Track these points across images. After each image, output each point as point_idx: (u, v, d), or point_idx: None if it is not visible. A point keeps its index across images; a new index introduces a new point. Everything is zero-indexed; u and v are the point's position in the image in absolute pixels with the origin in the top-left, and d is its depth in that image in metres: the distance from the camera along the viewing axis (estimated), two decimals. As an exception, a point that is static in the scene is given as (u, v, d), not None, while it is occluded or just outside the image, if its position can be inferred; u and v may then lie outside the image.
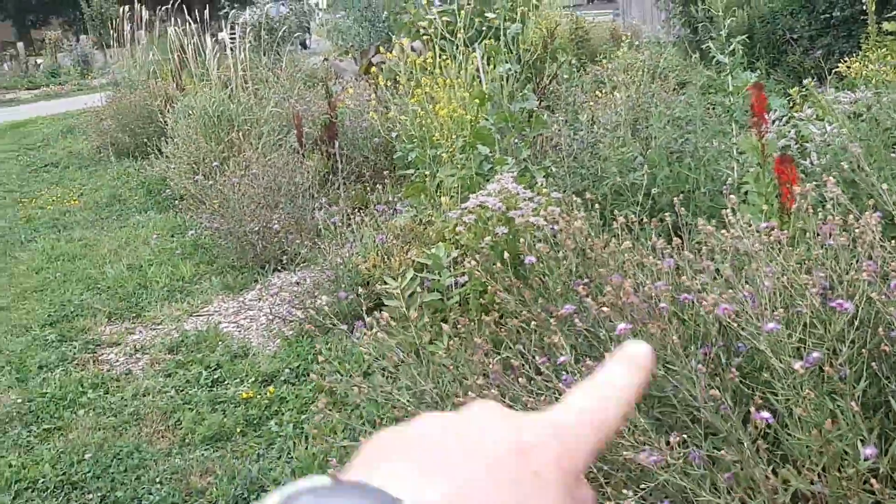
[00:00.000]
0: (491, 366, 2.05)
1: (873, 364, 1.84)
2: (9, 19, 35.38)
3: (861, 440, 1.64)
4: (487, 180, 3.48)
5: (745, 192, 2.80)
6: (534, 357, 2.00)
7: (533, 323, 2.20)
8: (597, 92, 4.79)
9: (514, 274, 2.42)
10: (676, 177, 3.18)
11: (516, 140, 3.42)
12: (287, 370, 3.37)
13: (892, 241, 2.09)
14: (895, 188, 2.54)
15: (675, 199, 2.62)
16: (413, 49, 5.67)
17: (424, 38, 4.32)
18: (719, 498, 1.63)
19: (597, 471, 1.78)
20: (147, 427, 3.06)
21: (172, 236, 5.62)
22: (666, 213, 2.76)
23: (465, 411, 0.37)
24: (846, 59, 4.94)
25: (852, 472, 1.65)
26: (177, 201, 6.25)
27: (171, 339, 3.88)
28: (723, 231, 2.28)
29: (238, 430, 2.97)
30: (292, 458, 2.72)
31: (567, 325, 2.12)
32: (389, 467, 0.33)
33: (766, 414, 1.59)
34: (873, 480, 1.59)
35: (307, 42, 19.53)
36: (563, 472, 0.35)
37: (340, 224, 4.12)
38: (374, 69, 5.28)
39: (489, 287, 2.44)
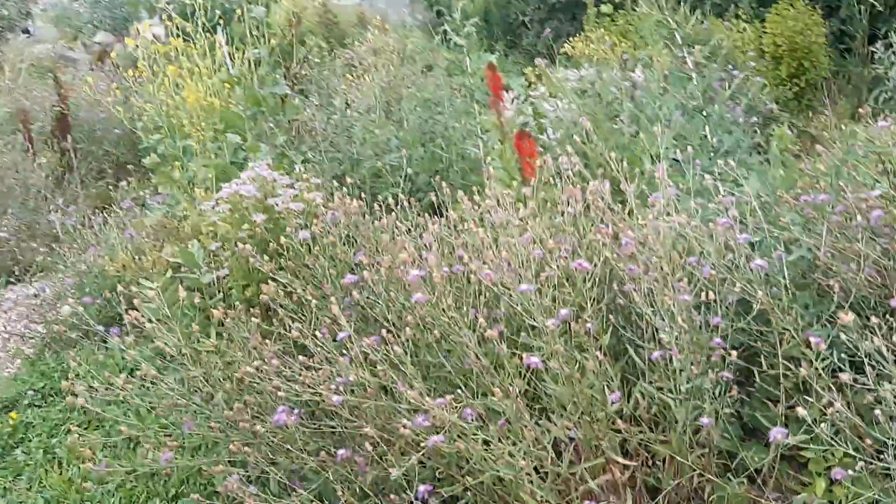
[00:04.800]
0: (267, 347, 2.02)
1: (611, 317, 2.05)
2: None
3: (607, 386, 1.82)
4: (243, 169, 3.36)
5: (493, 168, 2.96)
6: (314, 335, 1.98)
7: (314, 302, 2.15)
8: (348, 75, 4.80)
9: (278, 265, 2.37)
10: (431, 157, 3.29)
11: (270, 125, 3.34)
12: (31, 392, 3.04)
13: (620, 205, 2.33)
14: (620, 156, 2.83)
15: (433, 178, 2.71)
16: (154, 35, 5.31)
17: (165, 21, 4.05)
18: (491, 446, 1.72)
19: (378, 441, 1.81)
20: None
21: None
22: (426, 192, 2.85)
23: None
24: (571, 40, 5.38)
25: (602, 416, 1.82)
26: None
27: None
28: (476, 205, 2.41)
29: (-24, 464, 2.63)
30: (45, 486, 2.47)
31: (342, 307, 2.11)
32: None
33: (535, 359, 1.70)
34: (619, 421, 1.77)
35: (30, 29, 17.57)
36: None
37: (81, 226, 3.78)
38: (112, 55, 4.88)
39: (257, 275, 2.36)
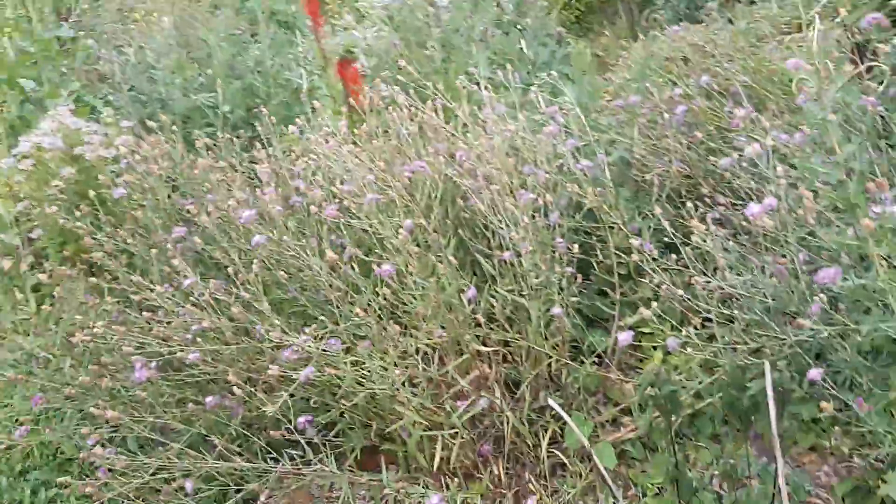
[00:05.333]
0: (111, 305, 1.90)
1: (460, 231, 2.13)
2: None
3: (461, 289, 1.90)
4: (32, 123, 3.05)
5: (318, 98, 2.92)
6: (149, 287, 1.89)
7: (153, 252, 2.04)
8: (136, 15, 4.45)
9: (104, 212, 2.21)
10: (246, 91, 3.16)
11: (62, 70, 3.05)
12: None
13: (451, 124, 2.39)
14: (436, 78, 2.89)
15: (253, 111, 2.62)
16: None
17: None
18: (363, 361, 1.76)
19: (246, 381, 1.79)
20: None
21: None
22: (244, 128, 2.75)
23: None
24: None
25: (461, 319, 1.91)
26: None
27: None
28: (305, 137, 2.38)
29: None
30: None
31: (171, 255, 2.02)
32: None
33: (387, 267, 1.74)
34: (479, 317, 1.87)
35: None
36: None
37: None
38: None
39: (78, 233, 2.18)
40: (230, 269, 1.86)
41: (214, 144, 2.53)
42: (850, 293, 1.28)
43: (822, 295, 1.29)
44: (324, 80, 2.81)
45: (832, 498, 1.71)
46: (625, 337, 1.69)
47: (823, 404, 1.32)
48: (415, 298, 1.86)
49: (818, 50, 1.24)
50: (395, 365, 1.77)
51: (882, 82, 1.49)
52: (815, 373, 1.33)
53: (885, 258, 1.19)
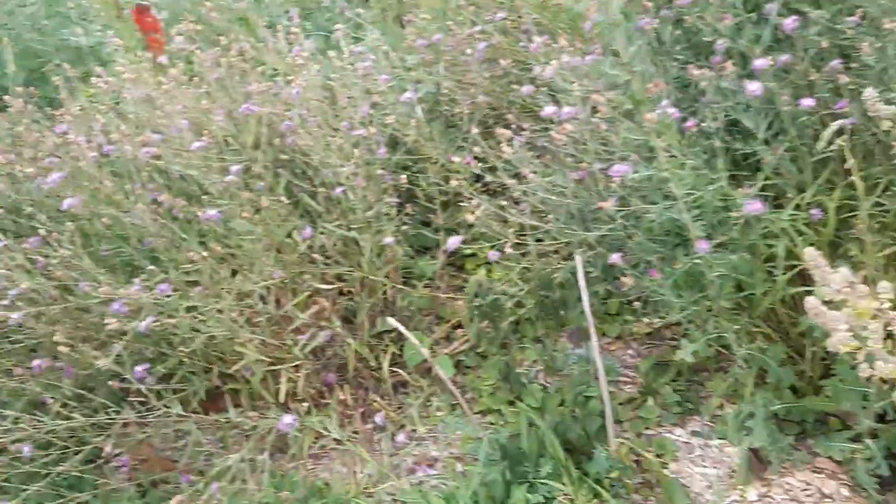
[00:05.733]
0: None
1: (281, 171, 2.15)
2: None
3: (296, 228, 1.95)
4: None
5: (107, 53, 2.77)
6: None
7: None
8: None
9: None
10: (28, 52, 2.94)
11: None
12: None
13: (260, 68, 2.39)
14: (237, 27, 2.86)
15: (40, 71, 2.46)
16: None
17: None
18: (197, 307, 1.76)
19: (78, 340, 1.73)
20: None
21: None
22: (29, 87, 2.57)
23: None
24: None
25: (296, 258, 1.95)
26: None
27: None
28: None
29: None
30: None
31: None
32: None
33: (212, 212, 1.75)
34: (315, 255, 1.93)
35: None
36: None
37: None
38: None
39: None
40: (42, 231, 1.78)
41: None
42: (638, 185, 1.47)
43: (615, 186, 1.48)
44: (118, 32, 2.67)
45: (638, 375, 1.95)
46: (454, 240, 1.83)
47: (623, 279, 1.51)
48: (244, 242, 1.87)
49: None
50: (231, 307, 1.79)
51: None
52: (615, 257, 1.52)
53: (666, 150, 1.39)
